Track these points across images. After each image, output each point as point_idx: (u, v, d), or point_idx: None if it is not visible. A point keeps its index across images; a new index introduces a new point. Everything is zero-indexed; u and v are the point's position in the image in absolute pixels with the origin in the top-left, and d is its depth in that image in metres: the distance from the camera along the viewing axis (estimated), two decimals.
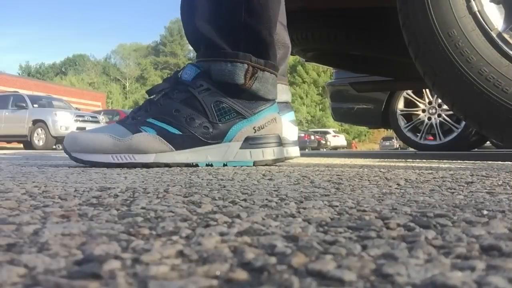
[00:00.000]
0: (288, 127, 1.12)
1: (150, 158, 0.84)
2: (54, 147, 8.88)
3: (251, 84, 0.89)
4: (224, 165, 0.89)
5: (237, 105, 0.89)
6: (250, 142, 0.90)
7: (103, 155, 0.84)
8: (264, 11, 0.89)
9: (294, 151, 1.15)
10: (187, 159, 0.87)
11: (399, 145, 17.75)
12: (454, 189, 0.47)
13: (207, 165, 0.88)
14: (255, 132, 0.91)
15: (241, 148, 0.89)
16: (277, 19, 0.93)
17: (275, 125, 0.94)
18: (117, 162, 0.84)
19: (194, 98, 0.88)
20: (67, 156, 0.88)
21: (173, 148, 0.86)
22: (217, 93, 0.88)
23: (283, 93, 1.14)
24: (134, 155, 0.84)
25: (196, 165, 0.87)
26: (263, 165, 0.91)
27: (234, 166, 0.88)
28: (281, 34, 1.13)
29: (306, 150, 13.70)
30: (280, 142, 0.94)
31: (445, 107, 3.19)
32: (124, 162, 0.84)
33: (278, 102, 1.02)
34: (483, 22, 1.04)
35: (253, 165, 0.90)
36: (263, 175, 0.67)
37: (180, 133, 0.86)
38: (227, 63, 0.88)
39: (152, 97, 0.92)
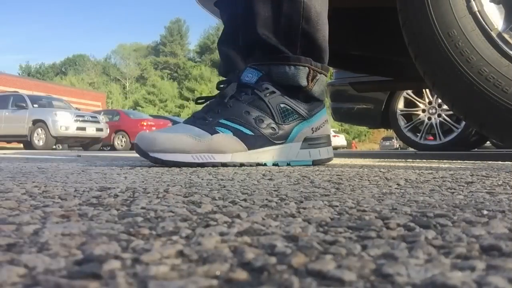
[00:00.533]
0: None
1: (227, 158, 0.88)
2: (54, 147, 8.88)
3: (312, 86, 0.96)
4: (288, 164, 0.94)
5: (298, 107, 0.95)
6: (309, 143, 0.96)
7: (183, 154, 0.85)
8: (319, 18, 0.95)
9: None
10: (257, 159, 0.91)
11: (399, 145, 17.75)
12: (454, 189, 0.47)
13: (273, 164, 0.93)
14: (313, 133, 0.97)
15: (301, 148, 0.96)
16: (328, 25, 0.99)
17: (327, 125, 1.02)
18: (197, 161, 0.86)
19: (261, 100, 0.93)
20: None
21: (246, 148, 0.90)
22: (281, 96, 0.94)
23: None
24: (214, 155, 0.87)
25: (265, 164, 0.92)
26: (320, 164, 0.98)
27: (295, 166, 0.93)
28: None
29: None
30: (331, 142, 1.02)
31: (445, 107, 3.19)
32: (204, 162, 0.86)
33: None
34: (483, 22, 1.04)
35: (312, 164, 0.96)
36: (263, 175, 0.67)
37: (252, 133, 0.91)
38: (290, 66, 0.94)
39: (217, 98, 0.96)
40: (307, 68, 0.94)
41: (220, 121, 0.91)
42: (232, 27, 1.09)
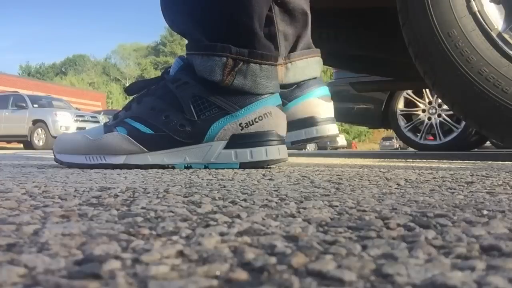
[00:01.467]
0: (318, 104, 1.04)
1: (120, 160, 0.80)
2: None
3: (230, 80, 0.77)
4: (205, 167, 0.80)
5: (218, 99, 0.79)
6: (237, 141, 0.79)
7: (77, 155, 0.82)
8: None
9: (331, 128, 1.05)
10: (162, 161, 0.80)
11: (399, 145, 17.75)
12: (454, 189, 0.47)
13: (185, 167, 0.80)
14: (242, 130, 0.79)
15: (225, 148, 0.79)
16: (263, 3, 0.81)
17: (270, 120, 0.80)
18: (89, 163, 0.81)
19: (170, 94, 0.80)
20: None
21: (144, 149, 0.79)
22: (195, 87, 0.79)
23: (308, 68, 1.04)
24: (105, 156, 0.80)
25: (173, 167, 0.80)
26: (254, 167, 0.81)
27: (217, 169, 0.79)
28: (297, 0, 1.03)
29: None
30: (278, 140, 0.81)
31: (445, 107, 3.19)
32: (95, 163, 0.81)
33: (303, 81, 0.98)
34: (483, 22, 1.04)
35: (239, 167, 0.79)
36: (263, 175, 0.67)
37: (153, 132, 0.79)
38: (203, 56, 0.78)
39: (137, 94, 0.87)
40: (224, 58, 0.76)
41: (125, 119, 0.82)
42: None
